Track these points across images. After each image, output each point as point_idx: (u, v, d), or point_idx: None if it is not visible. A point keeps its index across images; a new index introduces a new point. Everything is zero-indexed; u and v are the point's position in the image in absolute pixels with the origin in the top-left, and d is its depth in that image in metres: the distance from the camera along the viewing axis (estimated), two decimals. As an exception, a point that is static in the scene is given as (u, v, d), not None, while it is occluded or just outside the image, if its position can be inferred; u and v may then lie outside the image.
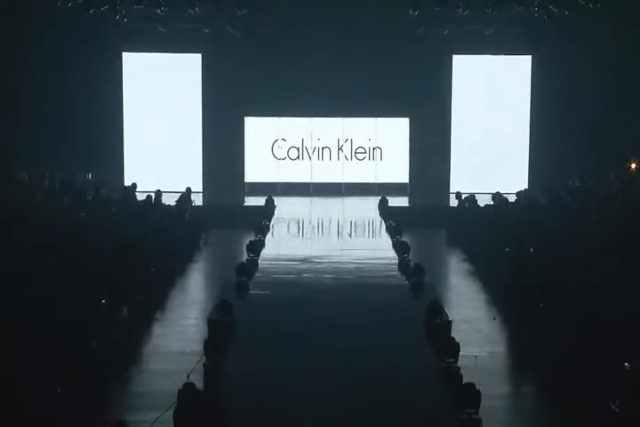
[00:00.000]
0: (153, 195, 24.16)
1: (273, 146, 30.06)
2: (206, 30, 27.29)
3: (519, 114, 29.35)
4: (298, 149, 30.04)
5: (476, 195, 24.90)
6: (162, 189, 24.80)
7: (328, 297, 17.43)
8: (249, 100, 28.59)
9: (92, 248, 17.43)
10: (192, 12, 25.91)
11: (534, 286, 15.81)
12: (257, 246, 20.84)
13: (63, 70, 28.05)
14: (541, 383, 13.58)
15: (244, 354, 13.90)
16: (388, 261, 20.43)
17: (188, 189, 25.61)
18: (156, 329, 16.20)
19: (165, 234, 20.50)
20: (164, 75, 29.20)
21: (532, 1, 25.62)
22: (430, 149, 29.05)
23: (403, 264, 19.61)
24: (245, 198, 28.52)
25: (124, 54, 28.98)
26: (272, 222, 24.69)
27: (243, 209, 26.75)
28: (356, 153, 30.22)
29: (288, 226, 25.81)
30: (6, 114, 27.82)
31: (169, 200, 24.55)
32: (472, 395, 11.47)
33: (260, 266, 19.79)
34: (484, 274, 19.70)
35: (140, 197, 24.33)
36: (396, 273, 19.40)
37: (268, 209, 25.65)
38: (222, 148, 28.95)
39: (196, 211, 24.06)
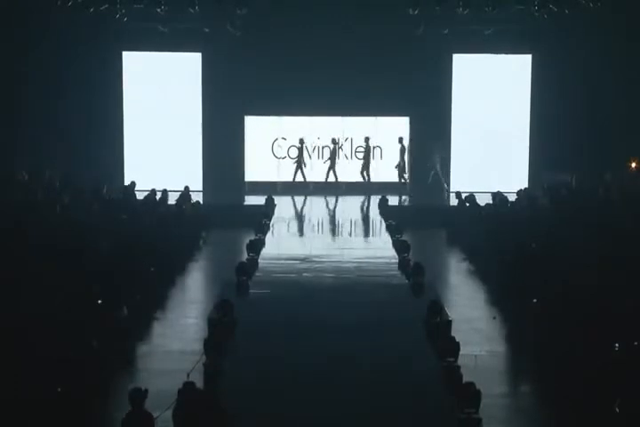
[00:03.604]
0: (159, 194, 24.21)
1: (273, 145, 30.06)
2: (206, 30, 27.29)
3: (519, 113, 29.35)
4: (298, 149, 30.01)
5: (477, 194, 24.89)
6: (159, 189, 24.76)
7: (328, 296, 17.44)
8: (249, 99, 28.59)
9: (92, 248, 17.43)
10: (192, 11, 25.90)
11: (534, 285, 15.82)
12: (257, 245, 20.84)
13: (63, 70, 28.03)
14: (541, 383, 13.59)
15: (244, 354, 13.91)
16: (387, 261, 20.43)
17: (187, 188, 25.61)
18: (156, 329, 16.21)
19: (165, 234, 20.50)
20: (164, 74, 29.18)
21: (531, 0, 25.62)
22: (431, 149, 29.14)
23: (403, 263, 19.61)
24: (245, 197, 28.53)
25: (124, 53, 28.97)
26: (272, 221, 24.70)
27: (243, 208, 26.76)
28: (355, 152, 30.20)
29: (288, 225, 25.81)
30: (6, 114, 27.82)
31: (169, 199, 24.54)
32: (472, 394, 11.47)
33: (260, 265, 19.78)
34: (484, 274, 19.73)
35: (140, 196, 24.34)
36: (396, 272, 19.40)
37: (268, 208, 25.65)
38: (222, 147, 28.94)
39: (196, 209, 24.05)
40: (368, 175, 29.79)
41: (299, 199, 28.92)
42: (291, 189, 29.43)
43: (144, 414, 10.37)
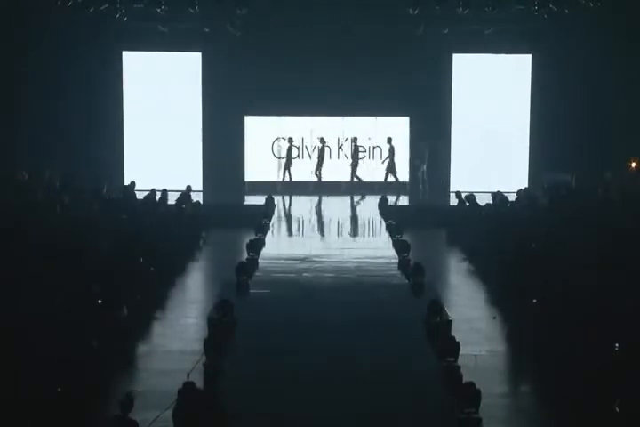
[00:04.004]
0: (159, 194, 24.20)
1: (273, 145, 30.07)
2: (206, 29, 27.31)
3: (519, 113, 29.35)
4: (298, 148, 30.02)
5: (477, 194, 24.88)
6: (159, 189, 24.74)
7: (328, 296, 17.44)
8: (249, 99, 28.59)
9: (92, 248, 17.44)
10: (192, 11, 25.90)
11: (534, 285, 15.81)
12: (257, 245, 20.85)
13: (63, 70, 28.03)
14: (541, 383, 13.59)
15: (243, 354, 13.91)
16: (387, 261, 20.43)
17: (189, 188, 25.62)
18: (156, 328, 16.21)
19: (165, 234, 20.50)
20: (164, 74, 29.19)
21: (531, 0, 25.62)
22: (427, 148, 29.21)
23: (403, 263, 19.61)
24: (245, 197, 28.53)
25: (124, 53, 28.97)
26: (272, 221, 24.70)
27: (243, 208, 26.76)
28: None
29: (288, 225, 25.80)
30: (6, 114, 27.82)
31: (169, 199, 24.53)
32: (472, 394, 11.47)
33: (260, 265, 19.78)
34: (484, 274, 19.72)
35: (140, 196, 24.34)
36: (396, 272, 19.40)
37: (268, 208, 25.65)
38: (222, 147, 28.94)
39: (196, 209, 24.04)
40: (357, 176, 29.75)
41: (299, 199, 28.90)
42: (291, 188, 29.41)
43: (129, 422, 10.37)
